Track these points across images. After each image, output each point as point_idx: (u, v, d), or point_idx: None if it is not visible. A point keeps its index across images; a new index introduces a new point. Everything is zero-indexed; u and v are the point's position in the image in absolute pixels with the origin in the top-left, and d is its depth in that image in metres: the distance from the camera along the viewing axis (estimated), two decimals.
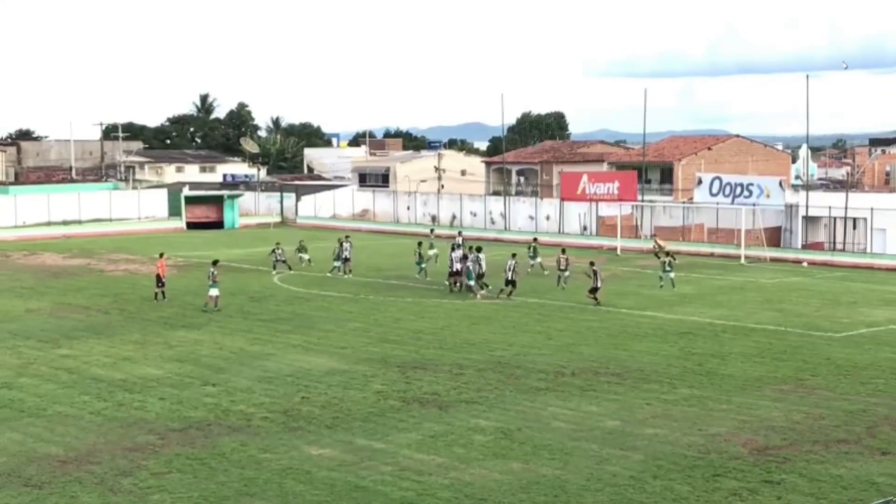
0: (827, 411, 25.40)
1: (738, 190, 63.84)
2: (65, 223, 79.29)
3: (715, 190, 65.24)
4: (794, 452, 21.93)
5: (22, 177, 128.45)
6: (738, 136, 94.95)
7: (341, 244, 51.86)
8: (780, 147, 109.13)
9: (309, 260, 54.74)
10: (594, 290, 42.08)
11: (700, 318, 39.33)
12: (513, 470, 20.84)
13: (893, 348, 33.58)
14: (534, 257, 52.59)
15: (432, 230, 65.03)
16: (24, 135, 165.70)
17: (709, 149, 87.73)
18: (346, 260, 51.52)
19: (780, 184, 65.13)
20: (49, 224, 78.50)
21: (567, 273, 46.58)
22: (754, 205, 62.95)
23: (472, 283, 44.37)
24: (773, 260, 60.11)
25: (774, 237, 66.41)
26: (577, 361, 31.26)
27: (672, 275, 47.07)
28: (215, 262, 43.12)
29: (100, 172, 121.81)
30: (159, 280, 43.78)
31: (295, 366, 30.82)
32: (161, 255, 45.81)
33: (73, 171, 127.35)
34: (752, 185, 63.94)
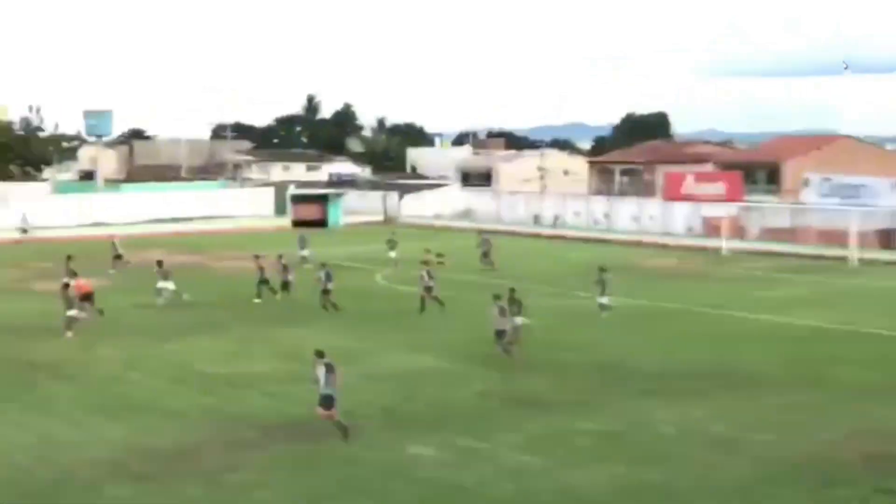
0: None
1: (848, 191, 62.46)
2: (174, 220, 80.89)
3: (824, 191, 63.95)
4: None
5: (134, 175, 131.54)
6: (848, 136, 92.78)
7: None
8: (891, 148, 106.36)
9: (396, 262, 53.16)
10: (501, 334, 31.81)
11: (810, 321, 38.40)
12: (617, 474, 20.55)
13: None
14: (303, 248, 54.87)
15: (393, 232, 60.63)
16: (136, 134, 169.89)
17: (818, 149, 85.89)
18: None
19: (893, 185, 63.54)
20: (159, 221, 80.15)
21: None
22: (865, 206, 61.42)
23: None
24: (886, 263, 58.52)
25: (886, 239, 64.71)
26: (681, 365, 30.75)
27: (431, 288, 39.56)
28: (66, 286, 36.88)
29: (209, 171, 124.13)
30: (88, 297, 36.75)
31: (398, 364, 30.90)
32: (74, 274, 39.39)
33: (183, 170, 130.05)
34: (862, 185, 62.49)
